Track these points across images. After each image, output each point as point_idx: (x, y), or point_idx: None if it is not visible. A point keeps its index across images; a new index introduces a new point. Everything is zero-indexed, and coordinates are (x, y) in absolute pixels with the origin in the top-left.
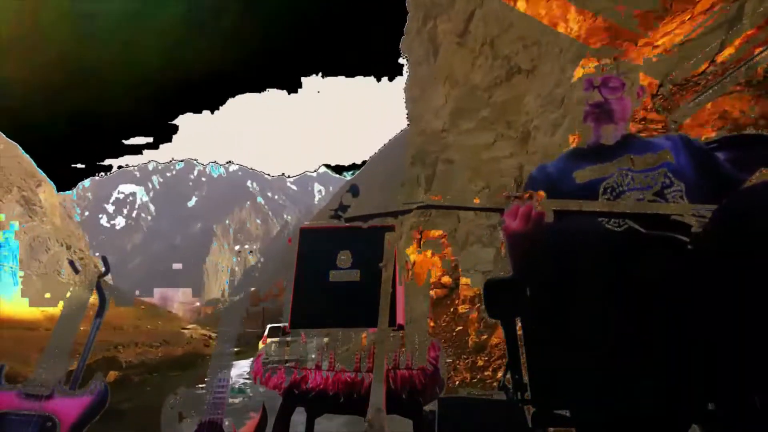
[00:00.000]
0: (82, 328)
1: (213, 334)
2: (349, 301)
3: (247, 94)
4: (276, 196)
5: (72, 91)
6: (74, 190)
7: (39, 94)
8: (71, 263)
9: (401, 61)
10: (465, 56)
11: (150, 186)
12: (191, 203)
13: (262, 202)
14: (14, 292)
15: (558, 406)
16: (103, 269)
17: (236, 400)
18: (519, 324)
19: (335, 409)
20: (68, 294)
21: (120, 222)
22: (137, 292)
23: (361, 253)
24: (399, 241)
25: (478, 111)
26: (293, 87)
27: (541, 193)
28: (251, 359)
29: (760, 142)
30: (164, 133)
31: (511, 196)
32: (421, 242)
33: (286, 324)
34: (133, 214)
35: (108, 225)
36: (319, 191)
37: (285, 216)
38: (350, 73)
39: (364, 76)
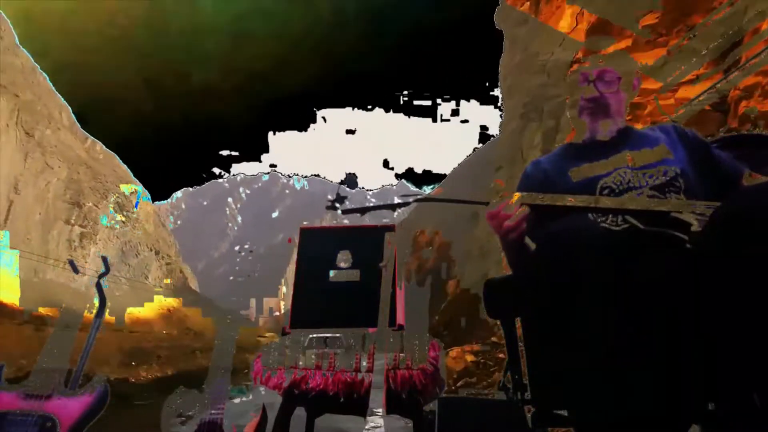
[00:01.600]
0: (166, 332)
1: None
2: (349, 301)
3: (331, 110)
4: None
5: (173, 103)
6: (169, 200)
7: (142, 111)
8: (71, 263)
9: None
10: None
11: (237, 197)
12: (275, 214)
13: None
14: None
15: (558, 406)
16: (103, 269)
17: (236, 400)
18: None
19: (335, 409)
20: (67, 296)
21: (208, 230)
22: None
23: (361, 253)
24: (398, 241)
25: (639, 18)
26: (378, 105)
27: (516, 195)
28: None
29: (760, 142)
30: (254, 147)
31: (500, 192)
32: None
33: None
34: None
35: (196, 233)
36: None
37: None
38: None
39: (452, 100)
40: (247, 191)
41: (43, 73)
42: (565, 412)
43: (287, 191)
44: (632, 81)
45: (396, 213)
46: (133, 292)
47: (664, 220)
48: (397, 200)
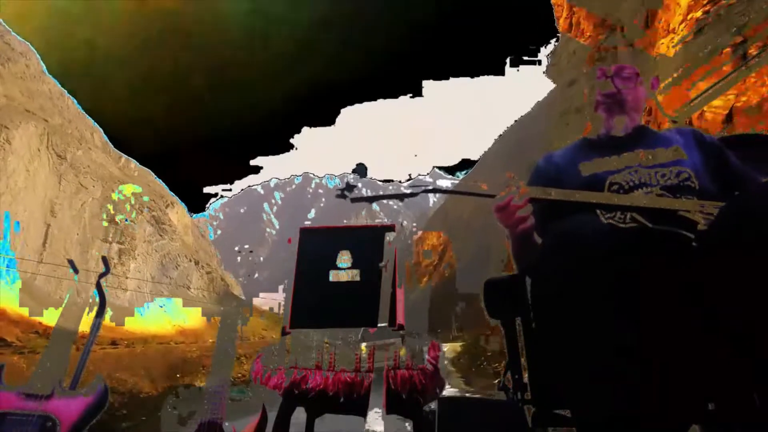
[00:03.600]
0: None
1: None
2: (349, 301)
3: (357, 105)
4: (390, 202)
5: (202, 118)
6: (207, 211)
7: (173, 127)
8: (70, 263)
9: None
10: None
11: (273, 202)
12: (311, 215)
13: (377, 209)
14: (148, 308)
15: (558, 406)
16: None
17: (236, 401)
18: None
19: (335, 409)
20: (68, 296)
21: (248, 237)
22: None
23: (361, 253)
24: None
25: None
26: (398, 92)
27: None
28: None
29: (760, 142)
30: (283, 150)
31: (509, 184)
32: None
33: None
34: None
35: (237, 241)
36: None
37: (400, 221)
38: (456, 74)
39: (471, 77)
40: (282, 195)
41: (71, 97)
42: (565, 412)
43: (321, 191)
44: (651, 79)
45: (431, 202)
46: (177, 303)
47: (672, 219)
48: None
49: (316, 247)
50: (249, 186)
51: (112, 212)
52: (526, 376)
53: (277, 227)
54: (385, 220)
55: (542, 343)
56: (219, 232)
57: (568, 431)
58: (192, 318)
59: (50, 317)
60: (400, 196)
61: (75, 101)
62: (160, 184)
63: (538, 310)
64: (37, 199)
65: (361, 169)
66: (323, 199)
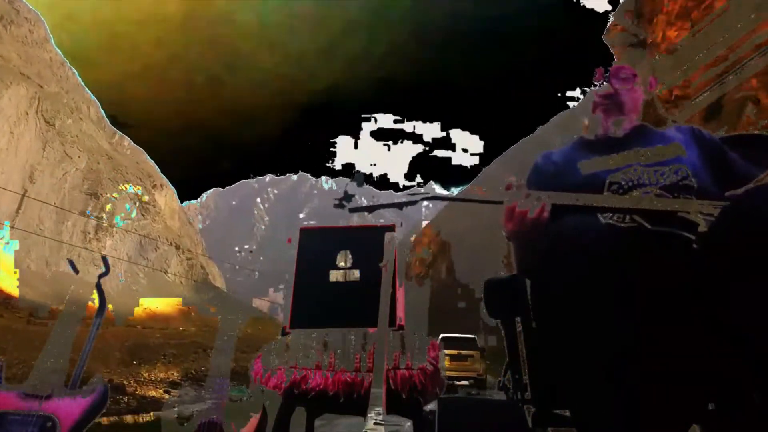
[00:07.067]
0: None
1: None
2: (349, 301)
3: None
4: (384, 211)
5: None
6: (198, 200)
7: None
8: (71, 263)
9: None
10: None
11: (266, 197)
12: (302, 214)
13: (369, 216)
14: (119, 288)
15: (558, 406)
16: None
17: (236, 401)
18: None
19: (335, 409)
20: (69, 294)
21: (236, 230)
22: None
23: (361, 253)
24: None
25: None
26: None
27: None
28: None
29: (760, 142)
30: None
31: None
32: None
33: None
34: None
35: (225, 232)
36: (426, 206)
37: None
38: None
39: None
40: (275, 191)
41: (73, 69)
42: (565, 412)
43: (315, 192)
44: (648, 79)
45: (424, 212)
46: (151, 286)
47: (671, 219)
48: (426, 203)
49: (316, 247)
50: (244, 178)
51: (112, 211)
52: (526, 376)
53: (267, 223)
54: (381, 221)
55: (543, 343)
56: (208, 222)
57: (568, 431)
58: (165, 303)
59: (7, 283)
60: (399, 205)
61: (76, 73)
62: (151, 165)
63: (538, 310)
64: (18, 163)
65: (358, 178)
66: (316, 200)
